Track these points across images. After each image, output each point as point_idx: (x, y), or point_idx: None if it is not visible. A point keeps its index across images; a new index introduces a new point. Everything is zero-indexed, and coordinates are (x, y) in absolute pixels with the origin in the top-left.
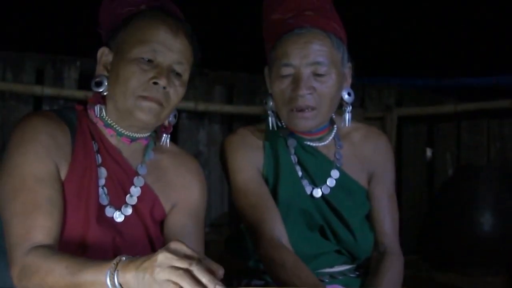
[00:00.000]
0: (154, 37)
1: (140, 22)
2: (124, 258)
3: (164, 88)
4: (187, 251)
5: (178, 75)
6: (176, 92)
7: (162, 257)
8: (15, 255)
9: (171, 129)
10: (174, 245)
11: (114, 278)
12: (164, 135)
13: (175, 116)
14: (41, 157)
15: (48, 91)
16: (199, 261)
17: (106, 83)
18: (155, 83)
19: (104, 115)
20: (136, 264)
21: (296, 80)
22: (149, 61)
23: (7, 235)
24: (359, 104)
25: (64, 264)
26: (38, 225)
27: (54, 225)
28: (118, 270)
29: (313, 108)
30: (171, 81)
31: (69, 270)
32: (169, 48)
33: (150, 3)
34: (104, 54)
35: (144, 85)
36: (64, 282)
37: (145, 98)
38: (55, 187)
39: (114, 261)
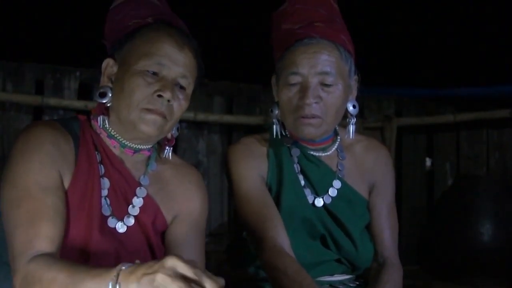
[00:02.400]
0: (160, 51)
1: (147, 35)
2: (124, 267)
3: (169, 101)
4: (184, 268)
5: (182, 88)
6: (179, 106)
7: (160, 279)
8: (18, 264)
9: (174, 141)
10: (171, 261)
11: None
12: (167, 147)
13: (177, 129)
14: (46, 166)
15: (48, 101)
16: (194, 282)
17: (110, 95)
18: (159, 96)
19: (108, 126)
20: (137, 275)
21: (303, 89)
22: (154, 74)
23: (11, 243)
24: (358, 114)
25: (66, 273)
26: (41, 233)
27: (57, 234)
28: (120, 283)
29: (318, 117)
30: (175, 94)
31: (70, 280)
32: (174, 61)
33: (156, 16)
34: (109, 66)
35: (148, 98)
36: None
37: (149, 110)
38: (59, 195)
39: (115, 272)
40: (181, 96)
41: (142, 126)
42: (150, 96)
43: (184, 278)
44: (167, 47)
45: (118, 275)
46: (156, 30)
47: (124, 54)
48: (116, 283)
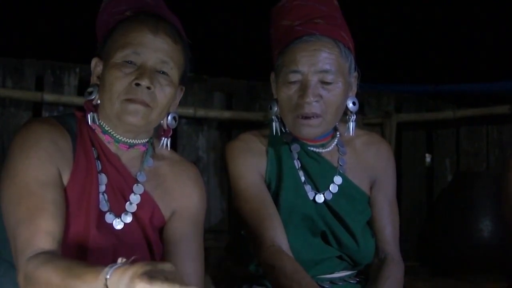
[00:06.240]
0: (134, 39)
1: (122, 27)
2: (108, 276)
3: (149, 88)
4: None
5: (164, 74)
6: (163, 92)
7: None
8: (19, 262)
9: (171, 132)
10: (151, 270)
11: None
12: (163, 138)
13: (174, 119)
14: (44, 162)
15: (47, 97)
16: None
17: (97, 92)
18: (137, 84)
19: (101, 122)
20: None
21: (303, 87)
22: (133, 64)
23: (13, 241)
24: (358, 111)
25: (60, 275)
26: (42, 230)
27: (58, 229)
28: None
29: (318, 116)
30: (155, 80)
31: (64, 283)
32: (150, 48)
33: (134, 9)
34: (96, 65)
35: (127, 88)
36: None
37: (129, 100)
38: (58, 191)
39: (101, 277)
40: (164, 82)
41: (126, 117)
42: (128, 86)
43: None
44: (141, 35)
45: (106, 280)
46: (131, 21)
47: (105, 51)
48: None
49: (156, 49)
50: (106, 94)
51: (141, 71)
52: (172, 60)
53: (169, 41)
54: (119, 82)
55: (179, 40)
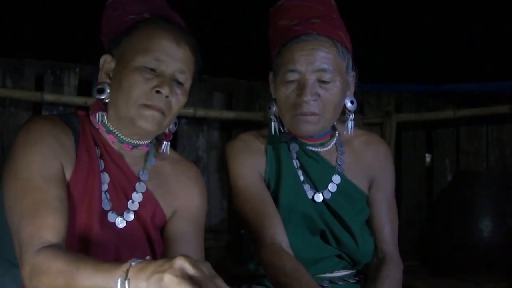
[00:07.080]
0: (157, 46)
1: (143, 30)
2: (134, 263)
3: (167, 97)
4: (192, 271)
5: (180, 84)
6: (177, 101)
7: (167, 279)
8: (25, 255)
9: (171, 136)
10: (179, 262)
11: (125, 286)
12: (165, 142)
13: (175, 124)
14: (48, 158)
15: (47, 97)
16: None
17: (108, 91)
18: (157, 91)
19: (106, 121)
20: (146, 273)
21: (301, 86)
22: (152, 70)
23: (18, 236)
24: (358, 110)
25: (74, 266)
26: (47, 224)
27: (62, 224)
28: (129, 279)
29: (316, 114)
30: (173, 90)
31: (78, 273)
32: (172, 57)
33: (153, 11)
34: (107, 62)
35: (147, 94)
36: (74, 285)
37: (147, 106)
38: (62, 187)
39: (124, 269)
40: (179, 92)
41: (140, 122)
42: (148, 92)
43: (192, 280)
44: (164, 43)
45: (127, 271)
46: (152, 26)
47: (122, 50)
48: (126, 279)
49: (177, 59)
50: (123, 96)
51: (162, 79)
52: (189, 70)
53: (189, 52)
54: (139, 87)
55: (196, 51)
